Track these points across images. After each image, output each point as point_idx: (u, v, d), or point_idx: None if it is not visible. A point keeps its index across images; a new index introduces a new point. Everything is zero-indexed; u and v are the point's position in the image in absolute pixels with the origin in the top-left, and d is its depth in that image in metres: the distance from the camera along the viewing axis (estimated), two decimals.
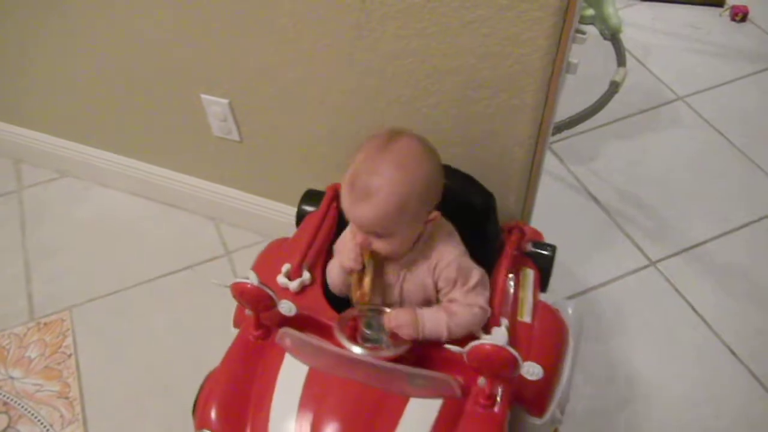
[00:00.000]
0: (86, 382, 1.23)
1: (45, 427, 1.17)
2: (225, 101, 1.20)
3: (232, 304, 0.87)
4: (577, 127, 1.57)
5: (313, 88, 1.09)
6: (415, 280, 0.84)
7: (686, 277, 1.38)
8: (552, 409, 0.84)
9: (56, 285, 1.40)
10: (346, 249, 0.82)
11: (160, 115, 1.33)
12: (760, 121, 1.71)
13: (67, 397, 1.21)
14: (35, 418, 1.18)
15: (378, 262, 0.82)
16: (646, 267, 1.40)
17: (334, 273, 0.87)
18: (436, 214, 0.81)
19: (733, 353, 1.25)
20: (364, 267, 0.81)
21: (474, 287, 0.82)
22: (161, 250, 1.46)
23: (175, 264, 1.42)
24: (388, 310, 0.80)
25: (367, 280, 0.80)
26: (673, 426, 1.16)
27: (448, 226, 0.86)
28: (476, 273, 0.82)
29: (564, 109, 1.52)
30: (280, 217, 1.40)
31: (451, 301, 0.81)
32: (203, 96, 1.22)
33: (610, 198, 1.53)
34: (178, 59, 1.18)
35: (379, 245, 0.79)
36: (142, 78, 1.27)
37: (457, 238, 0.85)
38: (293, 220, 1.38)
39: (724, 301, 1.34)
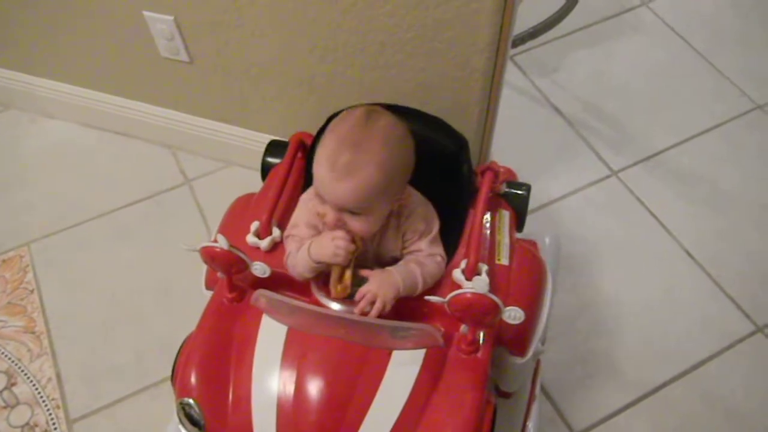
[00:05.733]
0: (52, 316, 1.22)
1: (13, 361, 1.16)
2: (170, 18, 1.13)
3: (195, 234, 0.85)
4: (540, 37, 1.54)
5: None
6: (387, 241, 0.83)
7: (647, 186, 1.39)
8: (533, 347, 0.86)
9: (11, 221, 1.36)
10: (332, 244, 0.75)
11: (102, 37, 1.25)
12: (721, 25, 1.70)
13: (33, 332, 1.20)
14: (2, 353, 1.17)
15: (361, 248, 0.78)
16: (607, 177, 1.41)
17: (303, 267, 0.79)
18: (408, 188, 0.80)
19: (692, 257, 1.29)
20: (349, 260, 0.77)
21: (435, 237, 0.83)
22: (118, 181, 1.41)
23: (134, 195, 1.39)
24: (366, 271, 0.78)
25: (348, 274, 0.77)
26: (633, 328, 1.20)
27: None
28: (437, 223, 0.83)
29: (527, 20, 1.49)
30: (239, 142, 1.36)
31: (416, 251, 0.82)
32: (146, 13, 1.14)
33: (573, 109, 1.52)
34: None
35: (355, 224, 0.75)
36: None
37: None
38: (252, 145, 1.35)
39: (683, 207, 1.37)
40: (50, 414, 1.10)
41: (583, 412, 1.10)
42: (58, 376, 1.15)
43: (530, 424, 0.99)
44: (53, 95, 1.45)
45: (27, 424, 1.09)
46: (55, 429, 1.09)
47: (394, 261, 0.82)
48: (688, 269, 1.28)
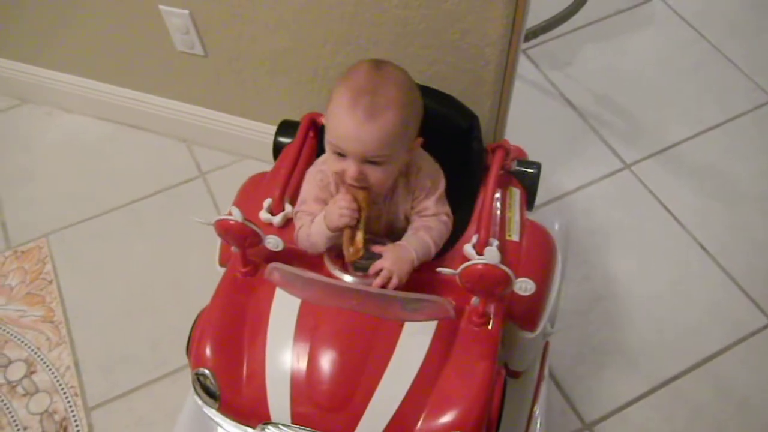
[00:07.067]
0: (70, 306, 1.24)
1: (32, 350, 1.18)
2: (185, 12, 1.15)
3: (209, 227, 0.86)
4: (554, 30, 1.54)
5: None
6: (398, 201, 0.83)
7: (660, 179, 1.39)
8: (543, 323, 0.87)
9: (30, 213, 1.38)
10: (336, 207, 0.76)
11: (118, 31, 1.27)
12: (735, 16, 1.69)
13: (52, 321, 1.22)
14: (21, 342, 1.19)
15: (367, 208, 0.79)
16: (620, 170, 1.41)
17: (318, 237, 0.80)
18: (420, 139, 0.81)
19: (704, 249, 1.29)
20: (357, 222, 0.77)
21: (441, 195, 0.83)
22: (133, 174, 1.43)
23: (149, 188, 1.40)
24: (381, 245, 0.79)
25: (359, 235, 0.77)
26: (645, 320, 1.20)
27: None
28: (443, 182, 0.84)
29: (540, 13, 1.49)
30: (253, 136, 1.37)
31: (423, 210, 0.82)
32: (161, 7, 1.16)
33: (586, 102, 1.52)
34: None
35: (375, 175, 0.76)
36: None
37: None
38: (266, 138, 1.35)
39: (696, 200, 1.36)
40: (69, 401, 1.12)
41: (595, 404, 1.11)
42: (77, 364, 1.17)
43: (537, 409, 1.00)
44: (69, 89, 1.46)
45: (46, 411, 1.12)
46: (74, 416, 1.11)
47: (406, 225, 0.83)
48: (701, 262, 1.27)
